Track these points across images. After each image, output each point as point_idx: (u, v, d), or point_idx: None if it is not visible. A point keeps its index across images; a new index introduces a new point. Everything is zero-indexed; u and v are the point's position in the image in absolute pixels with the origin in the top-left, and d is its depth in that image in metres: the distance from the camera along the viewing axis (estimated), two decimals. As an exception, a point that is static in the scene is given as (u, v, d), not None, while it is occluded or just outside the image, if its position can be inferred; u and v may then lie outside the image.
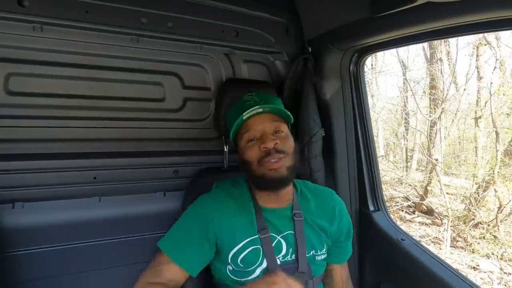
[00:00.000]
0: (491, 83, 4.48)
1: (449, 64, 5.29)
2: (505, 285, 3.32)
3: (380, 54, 6.85)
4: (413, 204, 5.12)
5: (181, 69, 1.15)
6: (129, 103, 1.11)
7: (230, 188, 0.89)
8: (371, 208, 1.22)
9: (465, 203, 4.53)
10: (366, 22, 0.91)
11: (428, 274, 0.93)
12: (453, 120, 5.95)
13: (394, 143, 7.03)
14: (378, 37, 0.96)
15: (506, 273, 3.45)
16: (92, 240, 1.10)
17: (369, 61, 6.70)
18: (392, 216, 1.22)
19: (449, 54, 5.25)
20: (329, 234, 0.89)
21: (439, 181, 4.59)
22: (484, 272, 3.53)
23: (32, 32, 0.90)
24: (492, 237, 3.92)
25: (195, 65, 1.17)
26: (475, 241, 3.99)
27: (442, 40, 4.94)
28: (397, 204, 5.15)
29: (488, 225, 4.11)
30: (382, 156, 6.57)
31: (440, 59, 5.18)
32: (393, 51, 6.96)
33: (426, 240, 4.19)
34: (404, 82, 6.34)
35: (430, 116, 5.16)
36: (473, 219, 4.23)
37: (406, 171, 6.11)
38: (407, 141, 6.20)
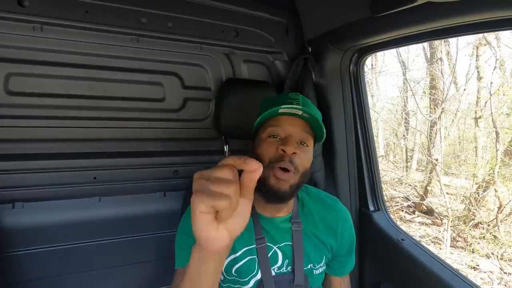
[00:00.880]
0: (491, 83, 4.49)
1: (449, 64, 5.29)
2: (505, 285, 3.32)
3: (380, 54, 6.87)
4: (413, 204, 5.12)
5: (181, 69, 1.15)
6: (129, 103, 1.11)
7: None
8: (371, 208, 1.22)
9: (465, 203, 4.54)
10: (366, 22, 0.91)
11: (428, 274, 0.93)
12: (453, 120, 5.95)
13: (394, 143, 7.03)
14: (378, 37, 0.96)
15: (506, 273, 3.45)
16: (92, 240, 1.10)
17: (369, 61, 6.71)
18: (392, 216, 1.22)
19: (449, 54, 5.25)
20: (330, 247, 0.84)
21: (439, 181, 4.59)
22: (484, 272, 3.53)
23: (32, 32, 0.90)
24: (492, 237, 3.93)
25: (195, 65, 1.17)
26: (475, 241, 3.99)
27: (442, 40, 4.94)
28: (397, 204, 5.16)
29: (488, 225, 4.11)
30: (382, 156, 6.57)
31: (440, 59, 5.18)
32: (393, 51, 6.97)
33: (426, 240, 4.19)
34: (404, 82, 6.35)
35: (430, 116, 5.16)
36: (473, 219, 4.23)
37: (406, 171, 6.11)
38: (407, 141, 6.20)
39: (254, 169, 0.38)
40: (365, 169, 1.23)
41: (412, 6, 0.71)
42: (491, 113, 4.29)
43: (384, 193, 1.32)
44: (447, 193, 4.57)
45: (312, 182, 1.15)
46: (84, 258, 1.09)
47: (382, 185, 1.32)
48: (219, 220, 0.39)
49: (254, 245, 0.77)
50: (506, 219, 4.05)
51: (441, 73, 5.20)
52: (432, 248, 3.99)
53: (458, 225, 4.30)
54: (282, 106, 0.71)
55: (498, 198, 4.01)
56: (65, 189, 1.05)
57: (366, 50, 1.13)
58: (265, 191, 0.71)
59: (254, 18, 1.14)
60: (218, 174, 0.38)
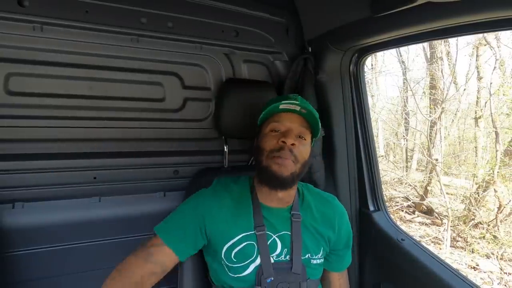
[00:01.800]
0: (491, 83, 4.49)
1: (449, 64, 5.30)
2: (505, 285, 3.32)
3: (380, 54, 6.87)
4: (413, 204, 5.12)
5: (181, 69, 1.15)
6: (129, 103, 1.11)
7: (230, 184, 0.90)
8: (371, 208, 1.22)
9: (465, 203, 4.54)
10: (366, 22, 0.91)
11: (428, 274, 0.93)
12: (453, 120, 5.95)
13: (394, 143, 7.04)
14: (378, 37, 0.97)
15: (506, 273, 3.45)
16: (92, 240, 1.10)
17: (369, 61, 6.71)
18: (392, 216, 1.22)
19: (449, 54, 5.25)
20: (327, 239, 0.89)
21: (439, 181, 4.59)
22: (484, 272, 3.53)
23: (32, 32, 0.90)
24: (492, 237, 3.93)
25: (195, 65, 1.17)
26: (475, 241, 3.99)
27: (442, 40, 4.94)
28: (397, 204, 5.16)
29: (488, 225, 4.11)
30: (382, 156, 6.57)
31: (441, 58, 5.18)
32: (393, 51, 6.98)
33: (426, 240, 4.19)
34: (404, 82, 6.34)
35: (430, 116, 5.16)
36: (473, 219, 4.23)
37: (406, 171, 6.11)
38: (407, 141, 6.20)
39: None
40: (365, 169, 1.23)
41: (412, 6, 0.71)
42: (491, 113, 4.29)
43: (384, 193, 1.32)
44: (447, 193, 4.58)
45: (312, 182, 1.15)
46: (84, 258, 1.09)
47: (382, 185, 1.32)
48: None
49: (253, 231, 0.82)
50: (506, 219, 4.05)
51: (441, 73, 5.20)
52: (432, 248, 3.99)
53: (458, 225, 4.30)
54: (282, 102, 0.81)
55: (498, 198, 4.02)
56: (65, 189, 1.05)
57: (366, 50, 1.13)
58: (268, 177, 0.79)
59: (254, 18, 1.14)
60: None
